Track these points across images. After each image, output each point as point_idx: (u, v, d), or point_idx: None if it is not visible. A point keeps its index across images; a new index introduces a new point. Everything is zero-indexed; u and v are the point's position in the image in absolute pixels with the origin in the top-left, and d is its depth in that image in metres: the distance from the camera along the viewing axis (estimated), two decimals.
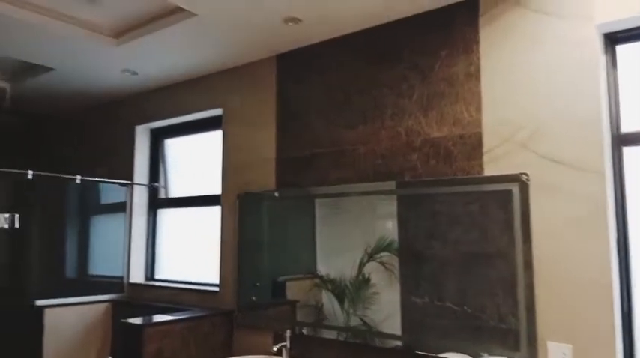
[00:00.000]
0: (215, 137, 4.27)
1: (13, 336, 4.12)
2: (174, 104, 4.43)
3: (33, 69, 4.34)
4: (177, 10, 3.21)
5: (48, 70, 4.19)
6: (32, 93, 4.86)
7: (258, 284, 3.67)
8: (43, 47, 3.70)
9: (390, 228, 3.02)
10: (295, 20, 3.16)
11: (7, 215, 4.32)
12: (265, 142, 3.73)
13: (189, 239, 4.49)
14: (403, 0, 2.88)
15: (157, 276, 4.64)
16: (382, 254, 3.03)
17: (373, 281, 3.05)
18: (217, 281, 3.93)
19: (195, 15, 3.11)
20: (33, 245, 4.44)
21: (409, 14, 3.06)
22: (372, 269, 3.06)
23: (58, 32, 3.42)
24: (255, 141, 3.80)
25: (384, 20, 3.15)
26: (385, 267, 3.00)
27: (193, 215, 4.49)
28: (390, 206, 3.03)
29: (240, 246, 3.77)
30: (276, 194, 3.61)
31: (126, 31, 3.56)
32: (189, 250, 4.47)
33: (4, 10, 3.13)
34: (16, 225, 4.34)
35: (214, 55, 3.80)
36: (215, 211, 4.10)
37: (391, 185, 3.02)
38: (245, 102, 3.91)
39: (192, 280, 4.28)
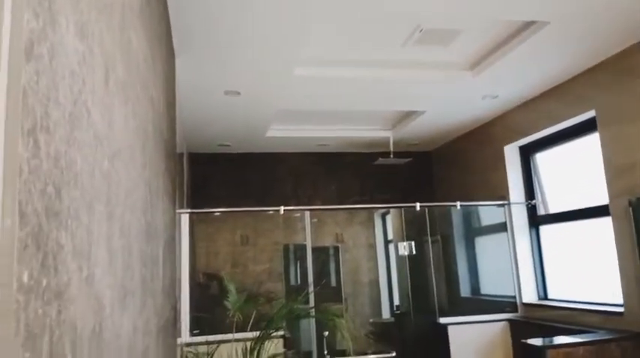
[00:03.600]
0: (589, 142, 3.91)
1: (427, 348, 4.69)
2: (540, 117, 4.30)
3: (408, 116, 5.03)
4: (526, 26, 3.16)
5: (420, 113, 4.77)
6: (408, 136, 5.60)
7: None
8: (415, 96, 4.26)
9: None
10: None
11: (405, 243, 5.04)
12: None
13: (579, 254, 4.17)
14: None
15: (549, 296, 4.47)
16: None
17: None
18: (621, 301, 3.49)
19: (548, 23, 3.00)
20: (429, 268, 5.00)
21: None
22: None
23: (424, 80, 3.88)
24: None
25: None
26: None
27: (580, 228, 4.17)
28: None
29: None
30: None
31: (479, 60, 3.73)
32: (581, 266, 4.15)
33: (386, 75, 3.78)
34: (414, 252, 5.00)
35: (573, 57, 3.54)
36: (604, 222, 3.69)
37: None
38: (621, 97, 3.45)
39: (590, 300, 3.93)
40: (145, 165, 1.69)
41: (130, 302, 1.33)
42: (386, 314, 6.44)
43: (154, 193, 1.92)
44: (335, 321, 3.28)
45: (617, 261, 3.50)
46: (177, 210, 3.55)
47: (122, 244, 1.21)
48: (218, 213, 5.90)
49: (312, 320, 4.61)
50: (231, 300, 3.41)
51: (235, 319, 3.47)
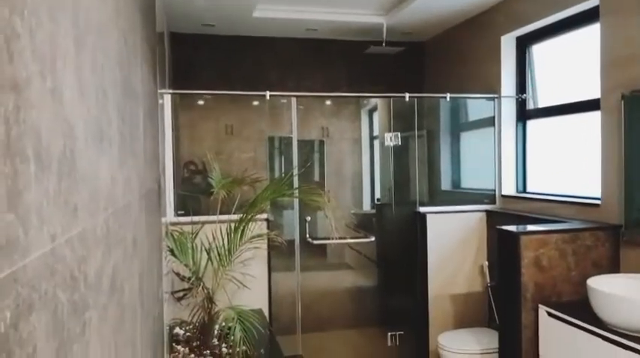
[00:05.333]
0: (589, 34, 3.76)
1: (405, 235, 4.86)
2: (543, 4, 4.08)
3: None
4: None
5: None
6: (402, 24, 5.34)
7: None
8: None
9: None
10: None
11: (391, 134, 5.01)
12: None
13: (564, 150, 4.19)
14: None
15: (528, 189, 4.57)
16: None
17: None
18: (598, 194, 3.57)
19: None
20: (413, 162, 5.03)
21: None
22: None
23: None
24: None
25: None
26: None
27: (567, 124, 4.15)
28: None
29: (628, 156, 3.28)
30: None
31: None
32: (564, 162, 4.19)
33: None
34: (399, 143, 4.99)
35: None
36: (593, 117, 3.67)
37: None
38: None
39: (568, 193, 4.02)
40: (119, 11, 1.54)
41: (108, 149, 1.27)
42: (367, 206, 6.59)
43: (130, 50, 1.79)
44: (319, 202, 3.32)
45: (600, 156, 3.52)
46: (160, 90, 3.41)
47: (95, 81, 1.12)
48: (202, 102, 5.74)
49: (296, 208, 4.69)
50: (215, 178, 3.40)
51: (220, 197, 3.49)
